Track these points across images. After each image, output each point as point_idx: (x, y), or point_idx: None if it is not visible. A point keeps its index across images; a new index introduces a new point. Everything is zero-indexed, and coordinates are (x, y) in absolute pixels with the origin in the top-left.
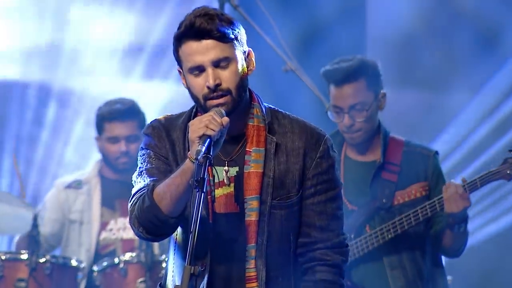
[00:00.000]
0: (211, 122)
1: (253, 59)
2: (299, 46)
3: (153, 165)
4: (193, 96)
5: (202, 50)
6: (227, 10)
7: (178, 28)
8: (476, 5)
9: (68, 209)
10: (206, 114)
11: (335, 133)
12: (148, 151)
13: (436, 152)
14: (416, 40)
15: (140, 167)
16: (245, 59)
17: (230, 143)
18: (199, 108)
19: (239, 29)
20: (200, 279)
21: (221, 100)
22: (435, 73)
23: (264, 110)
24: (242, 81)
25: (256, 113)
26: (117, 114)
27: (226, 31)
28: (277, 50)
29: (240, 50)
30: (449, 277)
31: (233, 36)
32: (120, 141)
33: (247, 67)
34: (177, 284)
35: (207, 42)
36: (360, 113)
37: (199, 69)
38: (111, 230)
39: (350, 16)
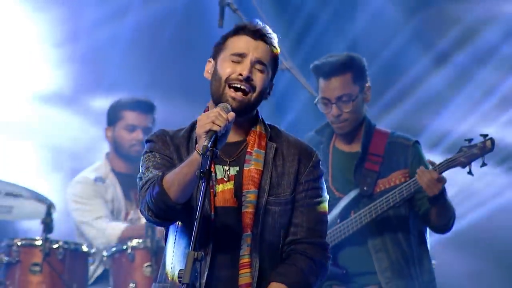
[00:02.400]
0: (217, 118)
1: (272, 87)
2: (293, 47)
3: (159, 162)
4: (216, 79)
5: (253, 45)
6: (227, 13)
7: (238, 24)
8: (456, 8)
9: (105, 200)
10: (213, 110)
11: (325, 124)
12: (153, 153)
13: (417, 141)
14: (402, 42)
15: (146, 166)
16: (271, 80)
17: (233, 145)
18: (214, 92)
19: (278, 58)
20: (203, 263)
21: (238, 95)
22: (419, 73)
23: (265, 123)
24: (265, 90)
25: (260, 122)
26: (140, 104)
27: (276, 45)
28: None
29: (272, 71)
30: (433, 261)
31: (276, 52)
32: (137, 130)
33: (269, 87)
34: (181, 268)
35: (260, 43)
36: (346, 104)
37: (241, 56)
38: (131, 219)
39: (341, 18)
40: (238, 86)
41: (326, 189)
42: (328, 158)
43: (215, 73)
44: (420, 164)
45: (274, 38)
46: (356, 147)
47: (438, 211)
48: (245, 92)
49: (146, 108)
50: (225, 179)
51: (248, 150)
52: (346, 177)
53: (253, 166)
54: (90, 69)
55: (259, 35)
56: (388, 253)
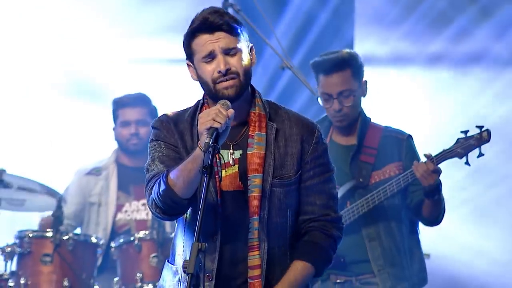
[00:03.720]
0: (218, 115)
1: (254, 54)
2: (293, 46)
3: (164, 153)
4: (203, 83)
5: (214, 40)
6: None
7: (191, 25)
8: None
9: (88, 193)
10: (213, 108)
11: (323, 118)
12: (159, 142)
13: (410, 136)
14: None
15: (152, 156)
16: (249, 53)
17: (234, 128)
18: (208, 93)
19: (243, 27)
20: (212, 248)
21: (230, 82)
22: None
23: (263, 101)
24: (248, 69)
25: (258, 102)
26: (128, 100)
27: (235, 26)
28: (274, 49)
29: (245, 44)
30: (427, 253)
31: (239, 31)
32: (131, 125)
33: (251, 60)
34: (185, 259)
35: (219, 34)
36: (347, 98)
37: (211, 56)
38: (126, 211)
39: (339, 16)
40: (224, 79)
41: (331, 161)
42: None
43: (199, 77)
44: (414, 158)
45: (226, 17)
46: (352, 140)
47: (431, 204)
48: (233, 78)
49: (136, 102)
50: (231, 163)
51: (249, 133)
52: (342, 169)
53: (255, 150)
54: None
55: (214, 28)
56: (381, 242)
